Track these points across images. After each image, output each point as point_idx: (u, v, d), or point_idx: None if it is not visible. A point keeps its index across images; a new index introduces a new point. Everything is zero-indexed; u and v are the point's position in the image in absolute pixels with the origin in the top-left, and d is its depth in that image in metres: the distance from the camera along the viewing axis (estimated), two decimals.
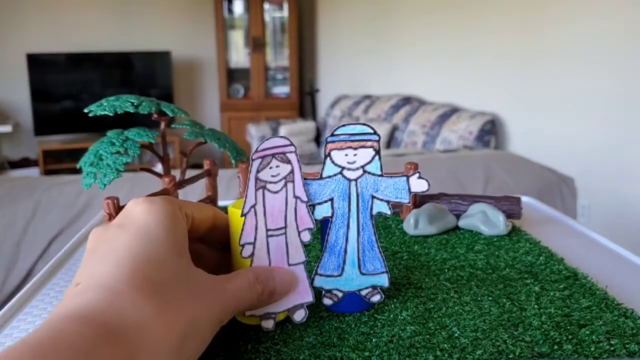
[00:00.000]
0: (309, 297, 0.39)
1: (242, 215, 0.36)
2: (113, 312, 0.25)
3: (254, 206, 0.36)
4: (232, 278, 0.34)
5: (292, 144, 0.37)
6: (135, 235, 0.29)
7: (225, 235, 0.39)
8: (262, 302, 0.36)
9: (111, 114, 0.54)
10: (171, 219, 0.31)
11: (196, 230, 0.37)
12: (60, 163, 4.06)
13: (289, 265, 0.38)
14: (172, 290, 0.28)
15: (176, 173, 0.66)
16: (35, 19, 4.23)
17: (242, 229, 0.36)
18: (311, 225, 0.38)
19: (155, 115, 0.58)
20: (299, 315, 0.39)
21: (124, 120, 1.94)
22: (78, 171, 0.59)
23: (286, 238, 0.38)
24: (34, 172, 4.08)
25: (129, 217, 0.30)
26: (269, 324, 0.38)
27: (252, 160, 0.36)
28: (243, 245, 0.37)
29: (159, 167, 3.27)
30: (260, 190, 0.36)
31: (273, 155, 0.36)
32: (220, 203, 0.72)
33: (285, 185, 0.37)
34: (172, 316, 0.27)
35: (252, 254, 0.37)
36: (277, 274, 0.36)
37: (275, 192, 0.37)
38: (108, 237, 0.29)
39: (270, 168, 0.36)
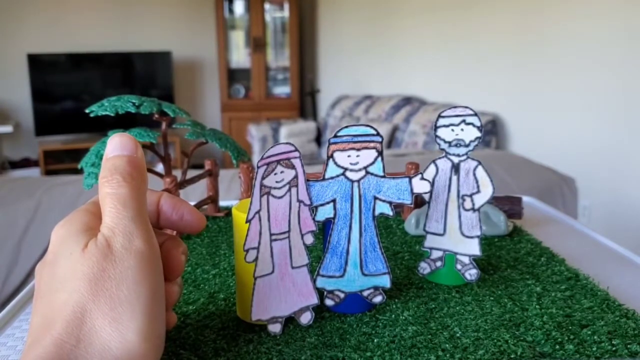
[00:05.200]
0: (313, 299, 0.39)
1: (246, 222, 0.36)
2: None
3: (258, 212, 0.36)
4: (105, 217, 0.30)
5: (296, 150, 0.37)
6: (53, 272, 0.29)
7: None
8: (139, 178, 0.31)
9: (112, 114, 0.54)
10: (82, 227, 0.30)
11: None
12: (61, 163, 4.05)
13: (293, 268, 0.38)
14: (81, 299, 0.28)
15: (177, 173, 0.66)
16: (36, 19, 4.23)
17: (247, 235, 0.36)
18: (314, 228, 0.39)
19: (156, 116, 0.58)
20: (306, 318, 0.39)
21: (125, 121, 1.94)
22: (79, 171, 0.59)
23: (289, 241, 0.38)
24: (34, 172, 4.08)
25: (53, 251, 0.30)
26: (276, 328, 0.38)
27: (258, 167, 0.36)
28: (247, 250, 0.37)
29: (160, 167, 3.27)
30: (265, 196, 0.36)
31: (278, 162, 0.36)
32: (222, 203, 0.72)
33: (289, 190, 0.37)
34: (88, 322, 0.27)
35: (256, 258, 0.37)
36: (110, 150, 0.32)
37: (280, 197, 0.37)
38: (42, 281, 0.29)
39: (275, 174, 0.36)
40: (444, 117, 0.43)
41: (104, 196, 0.30)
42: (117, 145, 0.32)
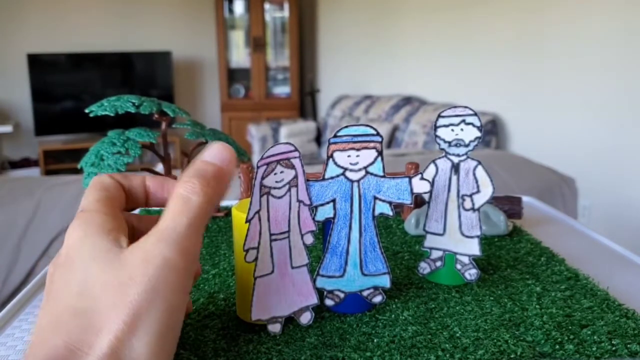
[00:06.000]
0: (313, 299, 0.39)
1: (246, 222, 0.36)
2: None
3: (258, 212, 0.36)
4: (164, 217, 0.29)
5: (296, 149, 0.37)
6: (73, 277, 0.28)
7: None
8: (218, 187, 0.30)
9: (112, 114, 0.54)
10: (103, 236, 0.29)
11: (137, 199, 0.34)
12: (60, 163, 4.05)
13: (292, 268, 0.38)
14: (100, 306, 0.27)
15: (177, 173, 0.66)
16: (36, 19, 4.22)
17: (246, 235, 0.36)
18: (314, 228, 0.39)
19: (156, 116, 0.58)
20: (305, 318, 0.39)
21: (124, 121, 1.94)
22: (79, 171, 0.59)
23: (289, 242, 0.38)
24: (34, 172, 4.08)
25: (69, 257, 0.29)
26: (275, 328, 0.38)
27: (258, 167, 0.35)
28: (247, 250, 0.37)
29: (159, 167, 3.26)
30: (265, 196, 0.36)
31: (278, 162, 0.36)
32: (222, 203, 0.72)
33: (289, 190, 0.37)
34: (106, 324, 0.27)
35: (256, 258, 0.37)
36: (207, 154, 0.32)
37: (279, 197, 0.37)
38: (56, 284, 0.29)
39: (275, 174, 0.36)
40: (443, 117, 0.43)
41: (175, 194, 0.30)
42: (213, 152, 0.31)
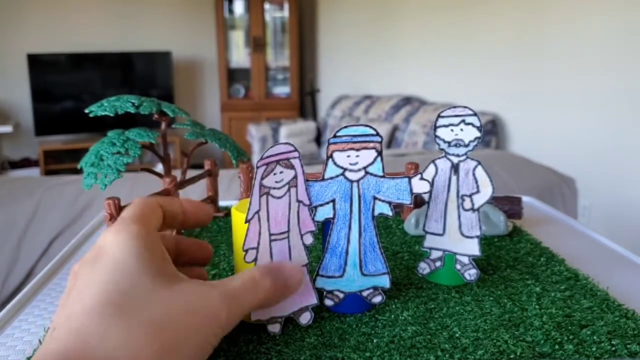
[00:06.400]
0: (313, 300, 0.39)
1: (246, 222, 0.36)
2: (82, 354, 0.26)
3: (257, 212, 0.36)
4: (232, 281, 0.33)
5: (295, 150, 0.37)
6: (107, 269, 0.29)
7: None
8: (274, 298, 0.35)
9: (112, 114, 0.54)
10: (143, 242, 0.30)
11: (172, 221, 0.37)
12: (60, 163, 4.05)
13: None
14: (144, 314, 0.27)
15: (177, 173, 0.66)
16: (36, 19, 4.22)
17: (246, 235, 0.36)
18: (313, 228, 0.39)
19: (156, 116, 0.58)
20: (305, 318, 0.39)
21: (124, 121, 1.94)
22: (79, 171, 0.59)
23: (289, 242, 0.38)
24: (34, 172, 4.08)
25: (103, 252, 0.30)
26: (275, 328, 0.38)
27: (257, 167, 0.35)
28: (246, 251, 0.37)
29: (159, 168, 3.26)
30: (264, 196, 0.36)
31: (277, 162, 0.36)
32: (222, 203, 0.72)
33: (289, 190, 0.37)
34: (144, 338, 0.27)
35: (255, 259, 0.37)
36: (286, 267, 0.36)
37: (279, 198, 0.37)
38: (83, 276, 0.29)
39: (274, 174, 0.36)
40: (443, 117, 0.43)
41: (251, 272, 0.34)
42: (292, 271, 0.36)
